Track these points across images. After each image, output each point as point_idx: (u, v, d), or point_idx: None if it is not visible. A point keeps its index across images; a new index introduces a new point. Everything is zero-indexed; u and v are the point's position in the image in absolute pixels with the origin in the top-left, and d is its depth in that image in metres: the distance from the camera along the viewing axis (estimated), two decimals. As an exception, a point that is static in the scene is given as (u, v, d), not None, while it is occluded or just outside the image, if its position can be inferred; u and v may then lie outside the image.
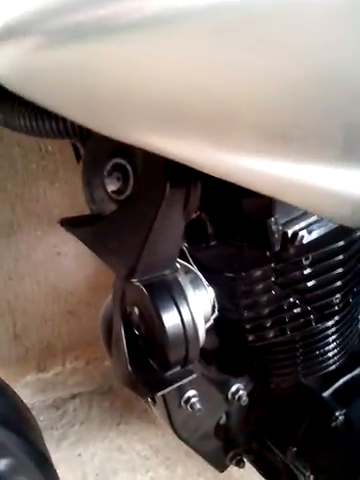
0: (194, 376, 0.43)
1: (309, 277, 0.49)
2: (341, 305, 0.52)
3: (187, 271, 0.45)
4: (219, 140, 0.24)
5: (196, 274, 0.45)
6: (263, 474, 0.61)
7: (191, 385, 0.49)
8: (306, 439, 0.54)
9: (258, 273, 0.48)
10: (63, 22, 0.22)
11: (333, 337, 0.53)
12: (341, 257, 0.49)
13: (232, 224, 0.49)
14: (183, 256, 0.46)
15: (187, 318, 0.41)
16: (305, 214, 0.49)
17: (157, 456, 0.91)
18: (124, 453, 0.93)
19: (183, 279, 0.43)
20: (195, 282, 0.44)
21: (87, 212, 0.49)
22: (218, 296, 0.46)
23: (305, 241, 0.48)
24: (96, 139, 0.43)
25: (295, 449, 0.54)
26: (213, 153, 0.25)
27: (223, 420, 0.57)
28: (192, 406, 0.50)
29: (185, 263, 0.45)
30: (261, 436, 0.58)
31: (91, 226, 0.44)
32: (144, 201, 0.39)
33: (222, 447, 0.59)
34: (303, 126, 0.23)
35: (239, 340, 0.51)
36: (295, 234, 0.47)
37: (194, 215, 0.45)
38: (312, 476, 0.53)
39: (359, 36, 0.20)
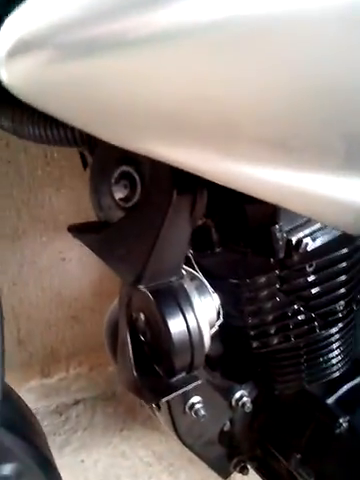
0: (199, 382, 0.43)
1: (313, 284, 0.50)
2: (345, 312, 0.52)
3: (192, 278, 0.45)
4: (222, 149, 0.25)
5: (201, 281, 0.46)
6: (267, 481, 0.61)
7: (195, 391, 0.49)
8: (310, 446, 0.54)
9: (262, 280, 0.48)
10: (74, 37, 0.23)
11: (337, 344, 0.53)
12: (345, 264, 0.50)
13: (237, 231, 0.49)
14: (188, 262, 0.47)
15: (193, 324, 0.41)
16: (309, 221, 0.49)
17: (160, 462, 0.91)
18: (127, 459, 0.93)
19: (189, 286, 0.43)
20: (200, 288, 0.45)
21: (92, 219, 0.50)
22: (223, 302, 0.47)
23: (309, 248, 0.48)
24: (104, 147, 0.44)
25: (299, 456, 0.54)
26: (216, 161, 0.26)
27: (227, 427, 0.57)
28: (196, 412, 0.50)
29: (190, 270, 0.46)
30: (265, 443, 0.58)
31: (98, 233, 0.45)
32: (151, 208, 0.39)
33: (226, 454, 0.59)
34: (302, 136, 0.23)
35: (243, 347, 0.52)
36: (299, 241, 0.48)
37: (200, 222, 0.45)
38: (316, 483, 0.53)
39: (358, 49, 0.20)
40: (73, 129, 0.40)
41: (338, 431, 0.52)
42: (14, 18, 0.25)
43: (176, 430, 0.52)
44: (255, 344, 0.51)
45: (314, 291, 0.50)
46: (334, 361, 0.53)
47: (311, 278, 0.49)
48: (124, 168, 0.42)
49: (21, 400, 0.54)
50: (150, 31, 0.21)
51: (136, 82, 0.23)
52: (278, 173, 0.25)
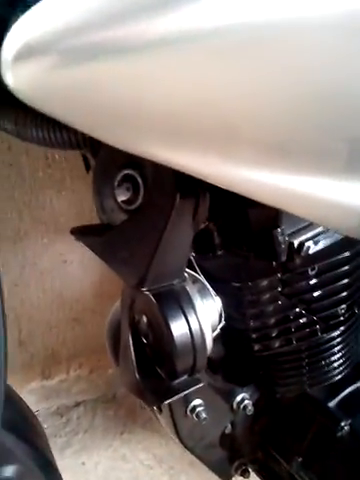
0: (201, 385, 0.43)
1: (315, 287, 0.50)
2: (347, 315, 0.52)
3: (195, 280, 0.45)
4: (223, 153, 0.25)
5: (203, 284, 0.46)
6: (268, 484, 0.61)
7: (197, 394, 0.49)
8: (312, 449, 0.54)
9: (264, 283, 0.48)
10: (78, 42, 0.23)
11: (339, 347, 0.53)
12: (347, 268, 0.50)
13: (239, 234, 0.50)
14: (190, 265, 0.47)
15: (195, 327, 0.41)
16: (311, 225, 0.49)
17: (161, 465, 0.91)
18: (128, 462, 0.92)
19: (191, 288, 0.43)
20: (203, 291, 0.45)
21: (93, 221, 0.50)
22: (225, 305, 0.47)
23: (311, 252, 0.48)
24: (107, 150, 0.44)
25: (300, 459, 0.54)
26: (218, 165, 0.26)
27: (228, 429, 0.57)
28: (198, 415, 0.50)
29: (193, 273, 0.46)
30: (266, 446, 0.58)
31: (101, 236, 0.45)
32: (154, 211, 0.39)
33: (227, 456, 0.59)
34: (302, 141, 0.23)
35: (245, 349, 0.52)
36: (301, 245, 0.48)
37: (202, 225, 0.45)
38: (317, 487, 0.53)
39: (357, 56, 0.20)
40: (76, 132, 0.40)
41: (340, 434, 0.52)
42: (20, 24, 0.26)
43: (177, 433, 0.52)
44: (257, 347, 0.51)
45: (316, 294, 0.50)
46: (336, 364, 0.53)
47: (313, 281, 0.50)
48: (127, 171, 0.42)
49: (23, 401, 0.54)
50: (153, 37, 0.22)
51: (139, 87, 0.23)
52: (280, 177, 0.25)
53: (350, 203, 0.28)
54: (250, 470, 0.62)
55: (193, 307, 0.42)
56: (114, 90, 0.24)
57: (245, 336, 0.50)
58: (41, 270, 0.99)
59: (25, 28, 0.26)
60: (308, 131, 0.23)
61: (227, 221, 0.50)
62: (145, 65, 0.22)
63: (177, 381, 0.42)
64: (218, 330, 0.46)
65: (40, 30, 0.25)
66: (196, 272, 0.46)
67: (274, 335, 0.50)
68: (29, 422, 0.53)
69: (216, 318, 0.46)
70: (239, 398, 0.54)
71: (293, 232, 0.48)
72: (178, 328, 0.40)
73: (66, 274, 1.00)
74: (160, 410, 0.51)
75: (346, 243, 0.50)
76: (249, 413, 0.54)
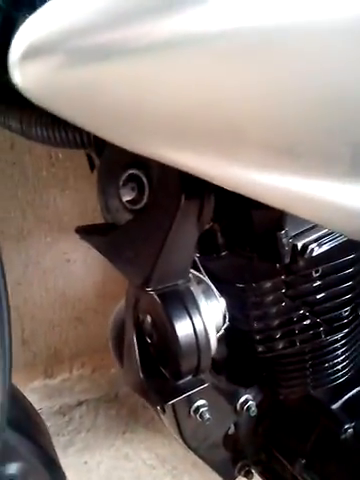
0: (206, 385, 0.43)
1: (319, 290, 0.50)
2: (350, 318, 0.52)
3: (199, 281, 0.45)
4: (229, 155, 0.25)
5: (208, 284, 0.46)
6: (271, 486, 0.61)
7: (200, 395, 0.49)
8: (315, 451, 0.54)
9: (268, 285, 0.48)
10: (85, 43, 0.24)
11: (342, 349, 0.53)
12: (351, 270, 0.50)
13: (243, 235, 0.50)
14: (195, 266, 0.47)
15: (199, 327, 0.41)
16: (315, 227, 0.49)
17: (163, 465, 0.91)
18: (130, 461, 0.93)
19: (195, 289, 0.43)
20: (207, 292, 0.45)
21: (97, 220, 0.50)
22: (228, 306, 0.47)
23: (315, 254, 0.48)
24: (112, 150, 0.44)
25: (304, 461, 0.54)
26: (224, 167, 0.26)
27: (232, 430, 0.57)
28: (201, 415, 0.50)
29: (197, 273, 0.46)
30: (270, 447, 0.58)
31: (106, 235, 0.45)
32: (159, 212, 0.39)
33: (230, 457, 0.59)
34: (308, 144, 0.23)
35: (249, 351, 0.52)
36: (305, 247, 0.48)
37: (207, 226, 0.45)
38: (320, 489, 0.53)
39: None
40: (81, 131, 0.40)
41: (343, 437, 0.51)
42: (28, 24, 0.26)
43: (181, 433, 0.52)
44: (260, 348, 0.51)
45: (320, 297, 0.50)
46: (339, 366, 0.53)
47: (317, 284, 0.49)
48: (132, 171, 0.42)
49: (26, 400, 0.55)
50: (158, 38, 0.22)
51: (144, 88, 0.23)
52: (285, 179, 0.25)
53: (354, 206, 0.28)
54: (253, 471, 0.61)
55: (198, 308, 0.42)
56: (120, 90, 0.24)
57: (249, 337, 0.50)
58: (44, 269, 0.99)
59: (32, 28, 0.26)
60: (314, 134, 0.23)
61: (231, 222, 0.50)
62: (151, 66, 0.22)
63: (181, 381, 0.42)
64: (222, 331, 0.46)
65: (47, 30, 0.25)
66: (200, 273, 0.46)
67: (278, 337, 0.50)
68: (33, 420, 0.53)
69: (220, 319, 0.46)
70: (243, 399, 0.54)
71: (297, 234, 0.48)
72: (183, 328, 0.40)
73: (69, 273, 1.01)
74: (163, 410, 0.51)
75: (350, 246, 0.50)
76: (252, 414, 0.54)
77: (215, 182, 0.28)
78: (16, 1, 0.37)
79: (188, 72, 0.22)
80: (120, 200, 0.44)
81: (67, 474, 0.53)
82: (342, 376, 0.53)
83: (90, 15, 0.23)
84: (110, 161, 0.45)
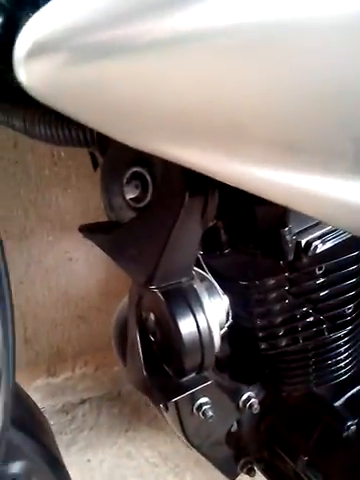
0: (209, 383, 0.43)
1: (322, 287, 0.50)
2: (354, 315, 0.52)
3: (202, 279, 0.45)
4: (230, 150, 0.25)
5: (211, 282, 0.46)
6: (273, 483, 0.61)
7: (203, 392, 0.49)
8: (318, 448, 0.54)
9: (272, 282, 0.48)
10: (89, 40, 0.24)
11: (345, 347, 0.53)
12: (354, 267, 0.50)
13: (246, 232, 0.50)
14: (198, 264, 0.47)
15: (203, 325, 0.41)
16: (319, 224, 0.49)
17: (166, 463, 0.91)
18: (133, 460, 0.93)
19: (199, 287, 0.43)
20: (210, 290, 0.45)
21: (99, 219, 0.50)
22: (232, 304, 0.47)
23: (318, 251, 0.48)
24: (115, 148, 0.44)
25: (306, 458, 0.54)
26: (228, 163, 0.26)
27: (234, 428, 0.57)
28: (204, 413, 0.50)
29: (200, 271, 0.46)
30: (272, 445, 0.58)
31: (109, 233, 0.45)
32: (163, 209, 0.39)
33: (233, 455, 0.59)
34: (311, 140, 0.23)
35: (252, 348, 0.52)
36: (309, 244, 0.48)
37: (211, 223, 0.45)
38: (323, 486, 0.53)
39: None
40: (84, 129, 0.40)
41: (346, 434, 0.52)
42: (32, 22, 0.26)
43: (184, 431, 0.52)
44: (263, 346, 0.51)
45: (323, 294, 0.50)
46: (342, 364, 0.53)
47: (320, 281, 0.49)
48: (136, 169, 0.42)
49: (30, 399, 0.55)
50: (161, 36, 0.22)
51: (148, 84, 0.24)
52: (287, 175, 0.25)
53: (357, 202, 0.28)
54: (256, 469, 0.62)
55: (201, 305, 0.42)
56: (123, 87, 0.24)
57: (252, 335, 0.50)
58: (46, 268, 0.99)
59: (37, 27, 0.26)
60: (315, 130, 0.23)
61: (234, 219, 0.50)
62: (154, 63, 0.23)
63: (185, 379, 0.42)
64: (225, 328, 0.46)
65: (51, 28, 0.25)
66: (204, 270, 0.46)
67: (281, 334, 0.50)
68: (36, 419, 0.53)
69: (223, 316, 0.46)
70: (245, 396, 0.54)
71: (300, 231, 0.48)
72: (186, 326, 0.40)
73: (71, 272, 1.01)
74: (166, 408, 0.51)
75: (354, 243, 0.50)
76: (255, 412, 0.54)
77: (218, 178, 0.28)
78: (19, 0, 0.37)
79: (190, 69, 0.22)
80: (124, 198, 0.44)
81: (70, 472, 0.53)
82: (345, 373, 0.53)
83: (93, 13, 0.23)
84: (114, 159, 0.45)
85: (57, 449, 0.53)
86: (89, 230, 0.48)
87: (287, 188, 0.26)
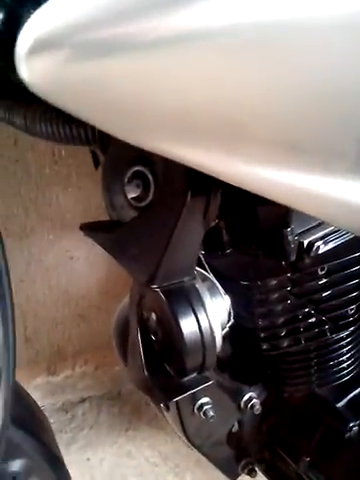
0: (210, 383, 0.43)
1: (324, 287, 0.49)
2: (356, 316, 0.52)
3: (204, 278, 0.45)
4: (232, 149, 0.25)
5: (213, 282, 0.46)
6: (274, 484, 0.61)
7: (204, 392, 0.49)
8: (319, 450, 0.54)
9: (274, 282, 0.48)
10: (91, 37, 0.24)
11: (348, 348, 0.53)
12: (357, 268, 0.50)
13: (248, 233, 0.49)
14: (199, 263, 0.46)
15: (205, 325, 0.41)
16: (321, 224, 0.49)
17: (166, 463, 0.91)
18: (133, 459, 0.93)
19: (201, 286, 0.43)
20: (212, 290, 0.45)
21: (100, 218, 0.50)
22: (233, 304, 0.47)
23: (321, 251, 0.48)
24: (117, 146, 0.43)
25: (308, 459, 0.54)
26: (230, 162, 0.26)
27: (236, 428, 0.57)
28: (205, 413, 0.50)
29: (202, 271, 0.46)
30: (274, 445, 0.58)
31: (111, 232, 0.45)
32: (165, 209, 0.39)
33: (234, 455, 0.59)
34: (313, 139, 0.23)
35: (253, 348, 0.51)
36: (311, 244, 0.47)
37: (213, 223, 0.45)
38: (325, 487, 0.53)
39: None
40: (86, 127, 0.40)
41: (348, 435, 0.51)
42: (34, 19, 0.26)
43: (184, 430, 0.52)
44: (265, 346, 0.51)
45: (325, 294, 0.50)
46: (344, 365, 0.53)
47: (322, 281, 0.49)
48: (137, 168, 0.42)
49: (30, 397, 0.55)
50: (164, 34, 0.22)
51: (150, 82, 0.23)
52: (289, 175, 0.25)
53: (359, 202, 0.28)
54: (257, 469, 0.61)
55: (203, 305, 0.41)
56: (125, 85, 0.24)
57: (253, 335, 0.50)
58: (47, 267, 0.99)
59: (38, 23, 0.26)
60: (317, 130, 0.23)
61: (236, 219, 0.49)
62: (156, 61, 0.23)
63: (186, 379, 0.42)
64: (227, 328, 0.46)
65: (53, 25, 0.25)
66: (205, 270, 0.46)
67: (283, 335, 0.50)
68: (36, 417, 0.53)
69: (225, 316, 0.45)
70: (247, 397, 0.53)
71: (303, 231, 0.48)
72: (188, 326, 0.40)
73: (72, 271, 1.01)
74: (167, 408, 0.51)
75: (356, 243, 0.50)
76: (257, 412, 0.53)
77: (220, 177, 0.28)
78: (21, -4, 0.37)
79: (193, 67, 0.22)
80: (125, 197, 0.44)
81: (70, 471, 0.53)
82: (347, 374, 0.53)
83: (96, 10, 0.23)
84: (115, 158, 0.45)
85: (57, 447, 0.53)
86: (90, 229, 0.48)
87: (289, 188, 0.26)
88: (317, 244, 0.47)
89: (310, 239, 0.48)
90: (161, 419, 0.58)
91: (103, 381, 1.10)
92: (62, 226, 0.98)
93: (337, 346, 0.52)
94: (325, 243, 0.49)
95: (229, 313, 0.46)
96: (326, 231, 0.49)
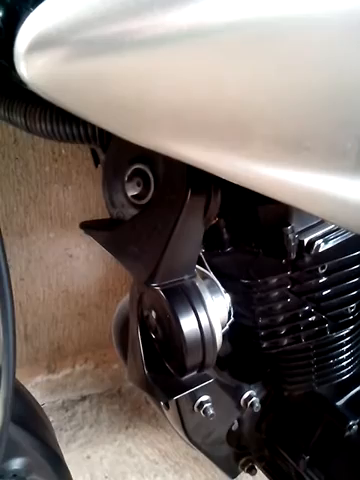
0: (210, 381, 0.43)
1: (324, 286, 0.49)
2: (356, 315, 0.52)
3: (204, 277, 0.45)
4: (234, 147, 0.25)
5: (213, 280, 0.46)
6: (274, 482, 0.61)
7: (204, 390, 0.49)
8: (319, 448, 0.54)
9: (274, 280, 0.48)
10: (91, 35, 0.24)
11: (347, 346, 0.53)
12: (357, 267, 0.50)
13: (248, 231, 0.49)
14: (200, 262, 0.46)
15: (205, 323, 0.41)
16: (321, 223, 0.49)
17: (166, 461, 0.91)
18: (133, 456, 0.93)
19: (201, 284, 0.43)
20: (212, 288, 0.45)
21: (99, 216, 0.50)
22: (233, 302, 0.47)
23: (321, 250, 0.48)
24: (117, 144, 0.43)
25: (308, 457, 0.54)
26: (232, 160, 0.26)
27: (235, 426, 0.57)
28: (205, 411, 0.50)
29: (202, 269, 0.46)
30: (273, 443, 0.58)
31: (111, 230, 0.45)
32: (165, 207, 0.39)
33: (234, 453, 0.59)
34: (315, 138, 0.23)
35: (253, 347, 0.52)
36: (311, 243, 0.47)
37: (213, 221, 0.45)
38: (324, 485, 0.53)
39: None
40: (86, 126, 0.40)
41: (347, 433, 0.51)
42: (33, 16, 0.26)
43: (184, 428, 0.52)
44: (265, 344, 0.51)
45: (325, 293, 0.50)
46: (344, 363, 0.53)
47: (322, 280, 0.49)
48: (138, 166, 0.42)
49: (30, 395, 0.55)
50: (166, 31, 0.22)
51: (151, 80, 0.23)
52: (291, 173, 0.25)
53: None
54: (256, 467, 0.62)
55: (203, 303, 0.41)
56: (126, 83, 0.24)
57: (253, 333, 0.50)
58: (47, 265, 0.99)
59: (38, 20, 0.26)
60: (323, 127, 0.23)
61: (237, 217, 0.49)
62: (158, 59, 0.23)
63: (186, 377, 0.42)
64: (227, 327, 0.46)
65: (53, 22, 0.25)
66: (206, 268, 0.46)
67: (282, 333, 0.50)
68: (37, 416, 0.53)
69: (225, 314, 0.45)
70: (246, 395, 0.54)
71: (303, 230, 0.48)
72: (188, 324, 0.40)
73: (72, 269, 1.01)
74: (167, 406, 0.51)
75: (356, 242, 0.50)
76: (256, 410, 0.54)
77: (220, 175, 0.28)
78: (21, -6, 0.37)
79: (193, 65, 0.22)
80: (125, 195, 0.44)
81: (70, 468, 0.53)
82: (347, 373, 0.53)
83: (95, 7, 0.23)
84: (115, 156, 0.44)
85: (57, 445, 0.53)
86: (90, 227, 0.48)
87: (290, 186, 0.26)
88: (317, 243, 0.48)
89: (310, 237, 0.48)
90: (161, 417, 0.59)
91: (103, 379, 1.10)
92: (62, 224, 0.98)
93: (337, 344, 0.52)
94: (325, 242, 0.49)
95: (229, 311, 0.46)
96: (326, 230, 0.49)
